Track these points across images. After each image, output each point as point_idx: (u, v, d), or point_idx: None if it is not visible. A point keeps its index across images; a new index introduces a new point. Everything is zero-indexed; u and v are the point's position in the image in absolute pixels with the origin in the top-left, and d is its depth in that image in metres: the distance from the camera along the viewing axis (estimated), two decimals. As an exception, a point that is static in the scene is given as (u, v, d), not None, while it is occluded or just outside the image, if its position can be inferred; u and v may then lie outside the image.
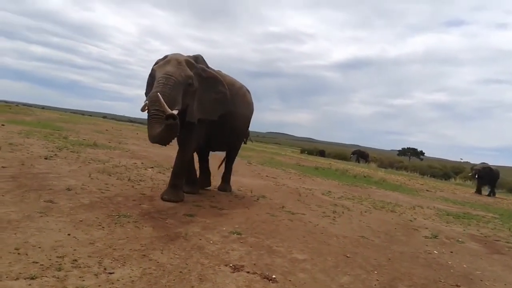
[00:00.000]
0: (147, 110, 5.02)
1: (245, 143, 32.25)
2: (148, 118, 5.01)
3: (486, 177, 19.04)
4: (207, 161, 7.34)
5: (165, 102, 4.76)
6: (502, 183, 29.67)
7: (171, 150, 7.51)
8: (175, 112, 4.87)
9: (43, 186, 5.15)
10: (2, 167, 5.87)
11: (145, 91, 5.94)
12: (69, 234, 3.51)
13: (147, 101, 5.04)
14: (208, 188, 7.28)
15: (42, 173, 5.89)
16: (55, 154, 7.84)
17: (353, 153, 41.30)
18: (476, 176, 19.43)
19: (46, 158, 7.20)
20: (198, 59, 5.97)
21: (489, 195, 18.99)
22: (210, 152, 7.41)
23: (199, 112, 5.75)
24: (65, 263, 2.88)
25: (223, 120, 6.21)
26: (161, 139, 4.90)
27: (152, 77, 5.57)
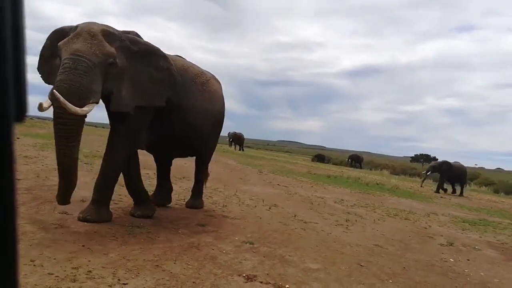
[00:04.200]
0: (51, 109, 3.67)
1: (242, 149, 32.37)
2: (54, 123, 3.82)
3: (445, 174, 17.47)
4: (167, 171, 6.17)
5: (75, 95, 3.62)
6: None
7: (183, 160, 7.55)
8: (88, 108, 3.78)
9: (58, 198, 5.21)
10: (18, 179, 5.98)
11: (41, 74, 4.45)
12: (83, 245, 3.55)
13: (49, 96, 3.62)
14: (168, 205, 6.03)
15: (56, 185, 5.96)
16: (69, 166, 7.93)
17: (349, 157, 41.97)
18: (428, 173, 18.40)
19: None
20: (129, 33, 4.60)
21: (453, 192, 17.70)
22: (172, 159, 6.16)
23: (135, 98, 4.38)
24: (79, 274, 2.91)
25: (172, 115, 4.86)
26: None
27: (49, 56, 4.28)
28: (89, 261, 3.20)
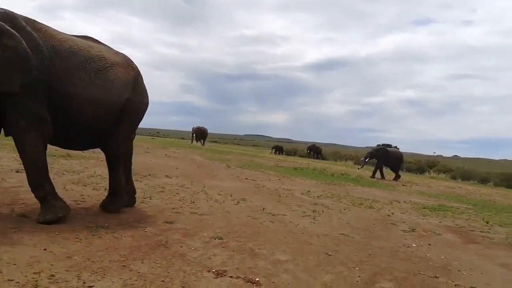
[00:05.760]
0: None
1: (202, 144, 32.28)
2: None
3: (382, 159, 18.13)
4: (127, 170, 5.71)
5: None
6: (473, 174, 30.77)
7: (149, 157, 7.41)
8: None
9: (16, 200, 4.98)
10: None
11: None
12: (45, 249, 3.40)
13: None
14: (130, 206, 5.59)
15: (14, 187, 5.69)
16: (27, 167, 7.59)
17: (308, 148, 43.46)
18: (366, 160, 19.00)
19: (17, 171, 6.95)
20: None
21: (395, 178, 18.21)
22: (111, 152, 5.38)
23: None
24: (42, 279, 2.79)
25: (56, 103, 4.38)
26: None
27: None
28: (52, 265, 3.08)
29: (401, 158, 19.06)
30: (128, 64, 5.30)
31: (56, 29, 4.66)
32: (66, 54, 4.44)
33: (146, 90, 5.66)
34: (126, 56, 5.41)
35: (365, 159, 19.32)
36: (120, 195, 5.30)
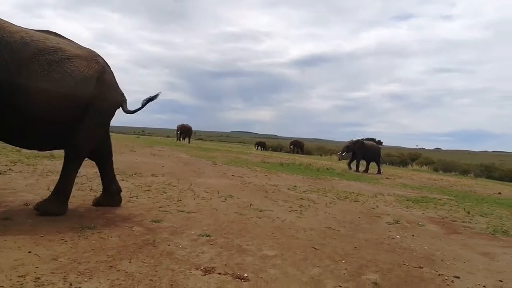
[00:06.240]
0: None
1: (189, 141, 32.24)
2: None
3: (359, 152, 18.29)
4: (101, 166, 5.60)
5: None
6: (454, 166, 31.45)
7: (135, 156, 7.36)
8: None
9: (-2, 203, 4.89)
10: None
11: None
12: (29, 252, 3.36)
13: None
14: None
15: (-5, 190, 5.57)
16: (10, 169, 7.44)
17: (291, 143, 43.90)
18: (343, 154, 19.15)
19: (0, 173, 6.82)
20: None
21: (365, 170, 18.53)
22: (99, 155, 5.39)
23: None
24: (27, 282, 2.76)
25: (4, 96, 4.18)
26: None
27: None
28: (37, 267, 3.05)
29: (379, 151, 19.21)
30: (92, 58, 4.96)
31: (9, 21, 4.47)
32: (17, 45, 4.24)
33: (116, 87, 5.34)
34: (91, 51, 5.10)
35: (342, 152, 19.47)
36: (61, 197, 4.80)
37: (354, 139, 19.28)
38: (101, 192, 5.61)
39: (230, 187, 8.65)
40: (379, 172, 18.44)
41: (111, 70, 5.30)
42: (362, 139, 20.78)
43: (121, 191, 5.71)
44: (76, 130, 4.82)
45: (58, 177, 4.93)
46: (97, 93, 4.87)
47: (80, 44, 5.10)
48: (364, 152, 18.38)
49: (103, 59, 5.20)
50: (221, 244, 4.23)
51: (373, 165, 19.23)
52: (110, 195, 5.53)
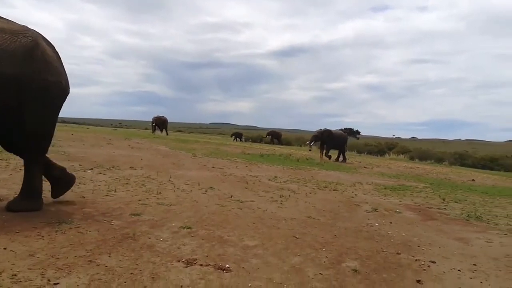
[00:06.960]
0: None
1: (167, 133, 31.88)
2: None
3: (329, 141, 18.51)
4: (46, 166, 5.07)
5: None
6: (430, 154, 32.30)
7: (112, 149, 7.21)
8: None
9: (-31, 199, 4.72)
10: None
11: None
12: (5, 248, 3.26)
13: None
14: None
15: (-34, 186, 5.37)
16: (-21, 164, 7.18)
17: (268, 134, 43.94)
18: (312, 143, 19.42)
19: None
20: None
21: (337, 159, 18.92)
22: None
23: None
24: (3, 280, 2.68)
25: None
26: None
27: None
28: (13, 264, 2.96)
29: (346, 141, 19.65)
30: (19, 32, 4.26)
31: None
32: None
33: (58, 67, 4.62)
34: (22, 26, 4.44)
35: (311, 141, 19.68)
36: (29, 195, 4.56)
37: (321, 128, 19.31)
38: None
39: (211, 179, 8.62)
40: (344, 160, 18.81)
41: (51, 48, 4.65)
42: (340, 129, 21.00)
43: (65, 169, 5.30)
44: (19, 121, 4.28)
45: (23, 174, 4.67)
46: (32, 73, 4.23)
47: (49, 36, 4.64)
48: (332, 141, 18.67)
49: (39, 34, 4.54)
50: (202, 236, 4.22)
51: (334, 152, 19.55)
52: (60, 181, 5.13)
